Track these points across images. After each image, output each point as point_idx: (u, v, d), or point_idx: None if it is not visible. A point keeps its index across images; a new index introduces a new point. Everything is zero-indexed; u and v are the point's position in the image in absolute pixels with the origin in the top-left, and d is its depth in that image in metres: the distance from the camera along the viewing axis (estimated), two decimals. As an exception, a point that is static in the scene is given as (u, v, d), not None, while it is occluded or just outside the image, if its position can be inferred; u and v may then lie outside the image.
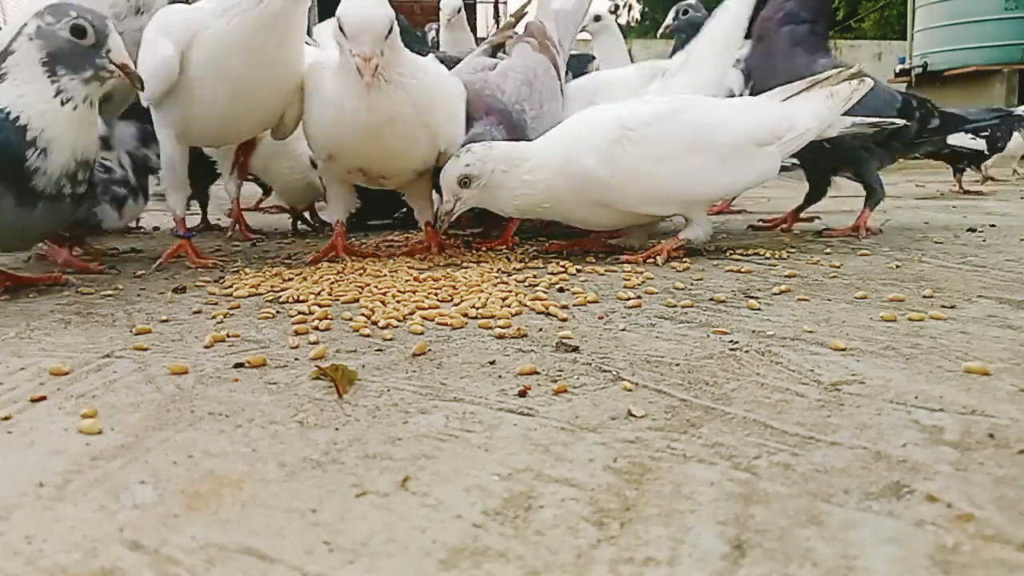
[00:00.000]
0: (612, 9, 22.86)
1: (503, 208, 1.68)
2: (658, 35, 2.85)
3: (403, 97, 1.55)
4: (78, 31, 1.29)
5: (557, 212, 1.70)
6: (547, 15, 2.14)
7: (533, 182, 1.61)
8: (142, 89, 1.44)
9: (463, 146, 1.64)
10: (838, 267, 1.58)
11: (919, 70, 7.15)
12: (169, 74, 1.53)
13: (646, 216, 1.72)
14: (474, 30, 5.08)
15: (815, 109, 1.74)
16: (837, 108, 1.75)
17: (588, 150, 1.61)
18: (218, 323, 1.20)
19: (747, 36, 2.05)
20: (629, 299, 1.30)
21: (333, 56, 1.59)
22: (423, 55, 1.88)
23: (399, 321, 1.18)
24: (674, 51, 2.78)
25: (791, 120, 1.72)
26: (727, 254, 1.74)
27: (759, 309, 1.24)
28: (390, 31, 1.46)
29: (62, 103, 1.30)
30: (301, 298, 1.34)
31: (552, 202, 1.64)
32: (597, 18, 2.75)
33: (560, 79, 2.08)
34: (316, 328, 1.15)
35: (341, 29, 1.46)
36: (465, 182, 1.60)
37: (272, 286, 1.44)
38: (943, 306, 1.22)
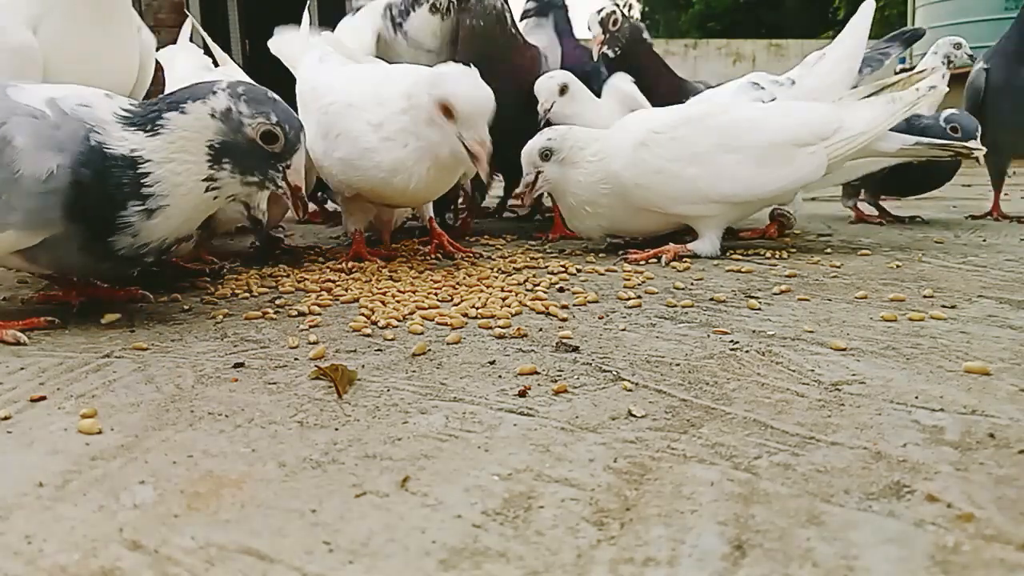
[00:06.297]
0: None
1: (569, 189, 1.74)
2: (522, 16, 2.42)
3: (466, 163, 1.52)
4: (269, 137, 1.12)
5: (603, 216, 1.74)
6: None
7: (593, 169, 1.69)
8: (303, 214, 1.26)
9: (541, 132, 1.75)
10: (838, 267, 1.58)
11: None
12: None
13: (687, 219, 1.74)
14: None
15: (870, 112, 1.73)
16: (897, 113, 1.73)
17: (615, 153, 1.67)
18: (218, 323, 1.20)
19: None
20: (629, 299, 1.30)
21: (341, 85, 1.62)
22: None
23: (399, 321, 1.18)
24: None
25: (840, 121, 1.71)
26: (727, 254, 1.73)
27: (759, 309, 1.24)
28: None
29: (206, 190, 1.12)
30: (302, 296, 1.34)
31: (593, 205, 1.71)
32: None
33: None
34: (316, 328, 1.15)
35: (448, 110, 1.41)
36: (546, 154, 1.70)
37: (271, 287, 1.45)
38: (943, 306, 1.22)
